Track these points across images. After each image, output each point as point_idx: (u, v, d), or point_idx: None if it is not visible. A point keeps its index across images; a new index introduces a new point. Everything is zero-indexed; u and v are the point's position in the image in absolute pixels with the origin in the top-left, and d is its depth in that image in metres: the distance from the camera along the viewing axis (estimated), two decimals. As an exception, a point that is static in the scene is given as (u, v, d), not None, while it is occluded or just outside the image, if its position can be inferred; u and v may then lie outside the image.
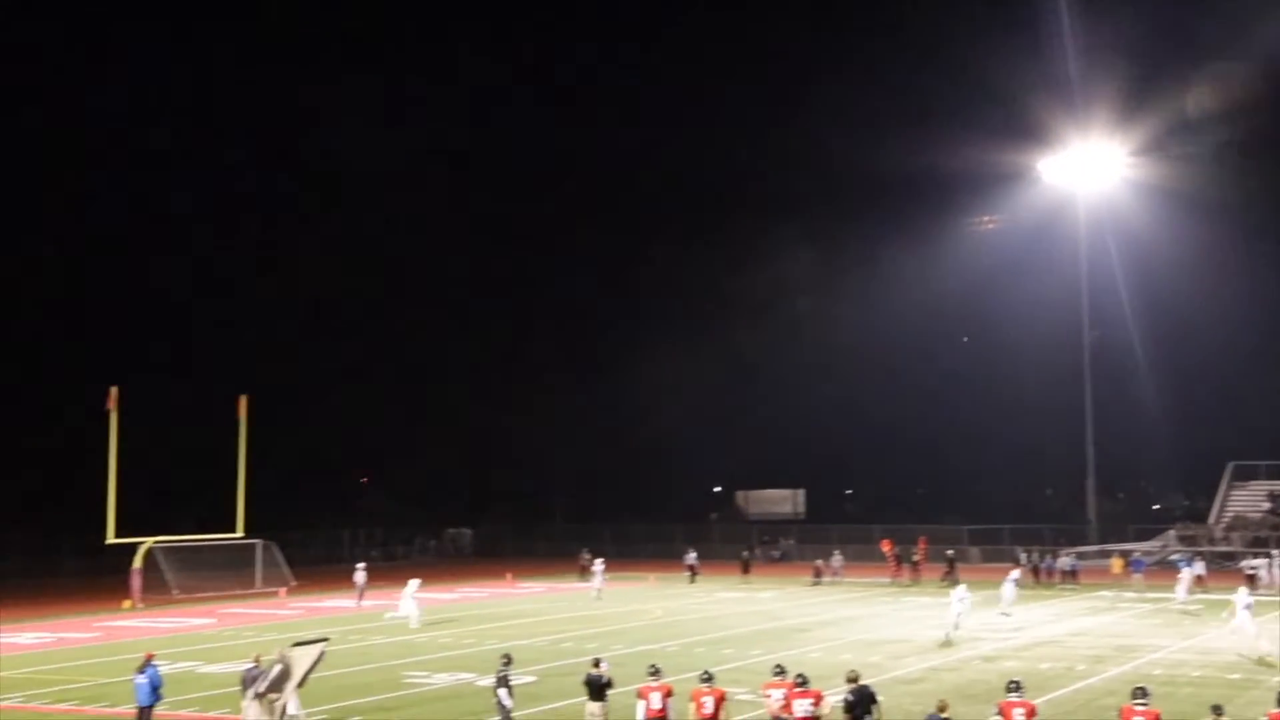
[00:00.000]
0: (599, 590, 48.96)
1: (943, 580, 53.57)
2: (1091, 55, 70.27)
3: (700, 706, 17.66)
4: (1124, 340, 78.32)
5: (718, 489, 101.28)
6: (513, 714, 19.80)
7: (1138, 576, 50.61)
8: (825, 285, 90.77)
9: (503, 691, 19.72)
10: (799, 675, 17.98)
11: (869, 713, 17.80)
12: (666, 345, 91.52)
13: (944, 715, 16.39)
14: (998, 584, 42.20)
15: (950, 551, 56.93)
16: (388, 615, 40.15)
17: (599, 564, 51.42)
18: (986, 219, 77.57)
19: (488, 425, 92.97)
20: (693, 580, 55.89)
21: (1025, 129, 69.09)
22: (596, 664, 19.52)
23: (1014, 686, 17.20)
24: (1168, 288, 77.72)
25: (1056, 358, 75.70)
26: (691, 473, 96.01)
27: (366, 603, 46.15)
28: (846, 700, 17.86)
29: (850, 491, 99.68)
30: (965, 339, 70.92)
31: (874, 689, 18.44)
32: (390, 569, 63.29)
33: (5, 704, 25.06)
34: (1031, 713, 16.69)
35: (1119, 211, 69.30)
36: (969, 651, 31.79)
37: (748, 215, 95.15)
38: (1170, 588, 44.94)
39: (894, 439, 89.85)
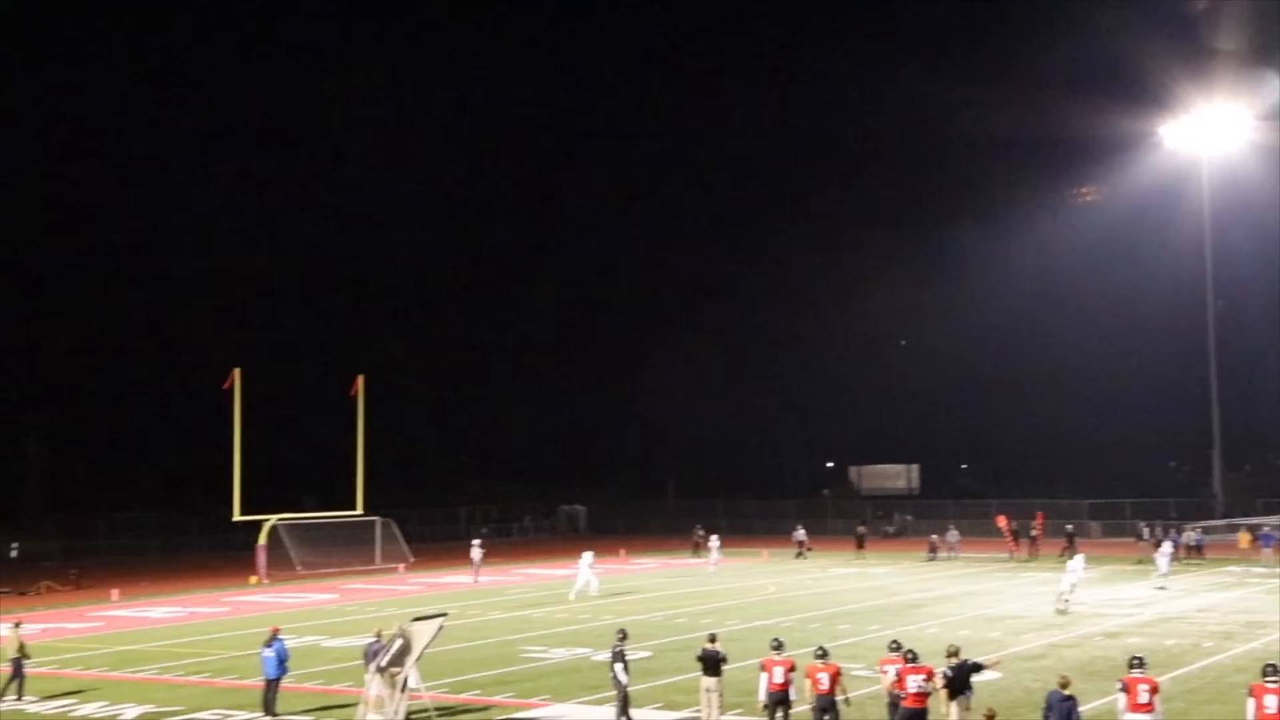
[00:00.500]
0: (715, 566, 49.06)
1: (1061, 555, 52.64)
2: (1216, 15, 68.15)
3: (816, 683, 17.65)
4: (1250, 309, 76.01)
5: (830, 464, 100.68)
6: (629, 689, 19.95)
7: (1267, 551, 49.17)
8: (941, 257, 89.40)
9: (619, 666, 19.86)
10: (909, 651, 17.89)
11: (968, 687, 17.70)
12: (780, 319, 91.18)
13: (1066, 691, 16.11)
14: (1118, 560, 41.39)
15: (1070, 526, 55.88)
16: (572, 595, 40.59)
17: (715, 540, 51.51)
18: (1085, 191, 75.40)
19: (603, 402, 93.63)
20: (800, 556, 55.73)
21: (1147, 93, 67.27)
22: (712, 639, 19.58)
23: (1137, 662, 16.89)
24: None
25: (1180, 328, 73.72)
26: (804, 448, 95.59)
27: (483, 578, 46.86)
28: (945, 675, 17.75)
29: (965, 466, 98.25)
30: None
31: (975, 662, 18.23)
32: (505, 545, 64.18)
33: (142, 675, 25.99)
34: (1155, 689, 16.38)
35: (1244, 176, 67.05)
36: (1091, 628, 31.22)
37: (862, 185, 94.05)
38: None
39: (1011, 412, 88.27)
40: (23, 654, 23.55)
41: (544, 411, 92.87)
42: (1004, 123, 79.02)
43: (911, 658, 17.60)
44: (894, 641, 18.84)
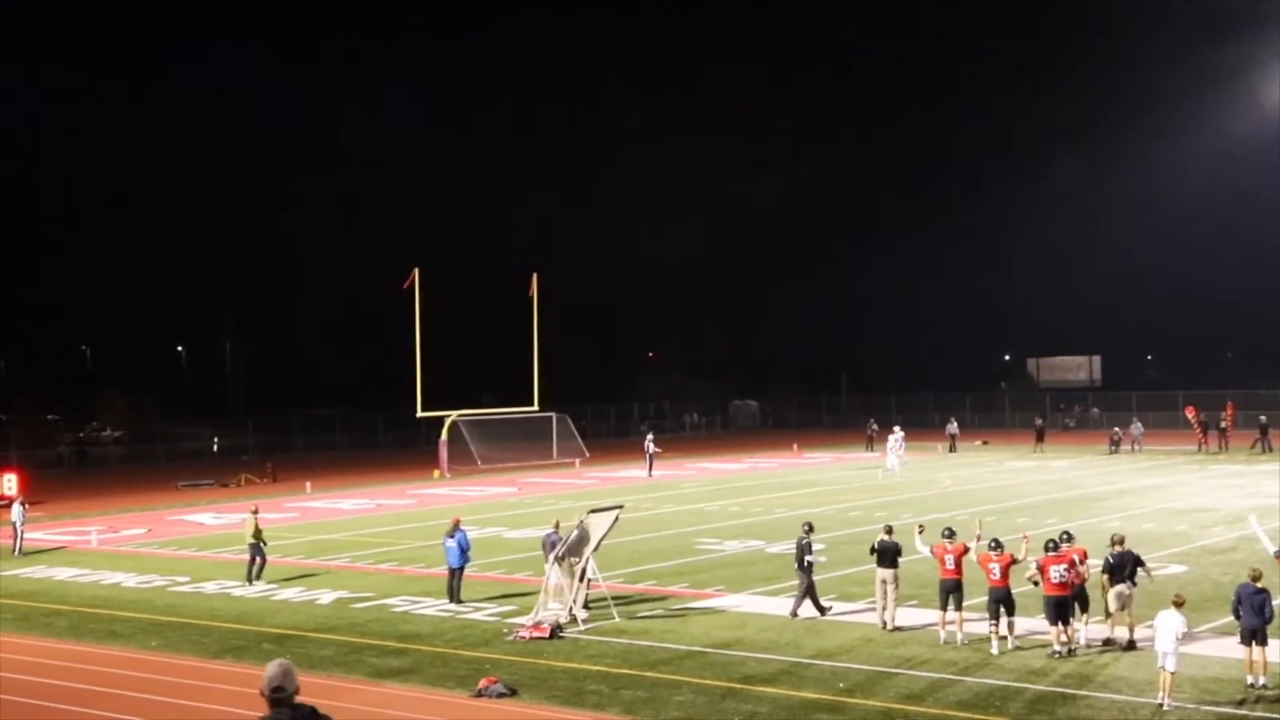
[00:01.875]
0: (900, 460, 47.78)
1: (1253, 448, 50.76)
2: None
3: (989, 572, 17.53)
4: None
5: (1008, 357, 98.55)
6: (815, 579, 20.14)
7: None
8: (1117, 143, 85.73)
9: (806, 559, 20.08)
10: (1064, 534, 18.03)
11: (1132, 577, 17.47)
12: (960, 213, 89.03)
13: (1259, 584, 15.58)
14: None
15: (1263, 417, 53.66)
16: (881, 474, 42.37)
17: (898, 433, 50.46)
18: None
19: (776, 295, 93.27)
20: (952, 450, 54.75)
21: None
22: (889, 531, 19.53)
23: None
24: None
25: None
26: (982, 342, 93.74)
27: (657, 473, 47.53)
28: (1107, 561, 17.59)
29: (1150, 357, 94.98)
30: None
31: (1137, 556, 17.89)
32: (676, 440, 64.83)
33: (335, 563, 27.27)
34: None
35: None
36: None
37: (1059, 81, 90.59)
38: None
39: (1197, 300, 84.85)
40: (259, 539, 24.93)
41: (718, 308, 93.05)
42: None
43: (1054, 546, 17.48)
44: (1059, 534, 18.49)
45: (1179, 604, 15.14)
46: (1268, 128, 76.19)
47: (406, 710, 15.49)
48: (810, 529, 20.77)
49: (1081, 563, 17.56)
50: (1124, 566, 17.60)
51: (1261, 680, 15.12)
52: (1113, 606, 17.56)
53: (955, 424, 57.11)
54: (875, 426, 59.39)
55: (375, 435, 69.17)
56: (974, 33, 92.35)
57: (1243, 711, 14.41)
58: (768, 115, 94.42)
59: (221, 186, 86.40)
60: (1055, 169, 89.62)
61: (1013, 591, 17.55)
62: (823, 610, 20.06)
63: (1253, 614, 15.16)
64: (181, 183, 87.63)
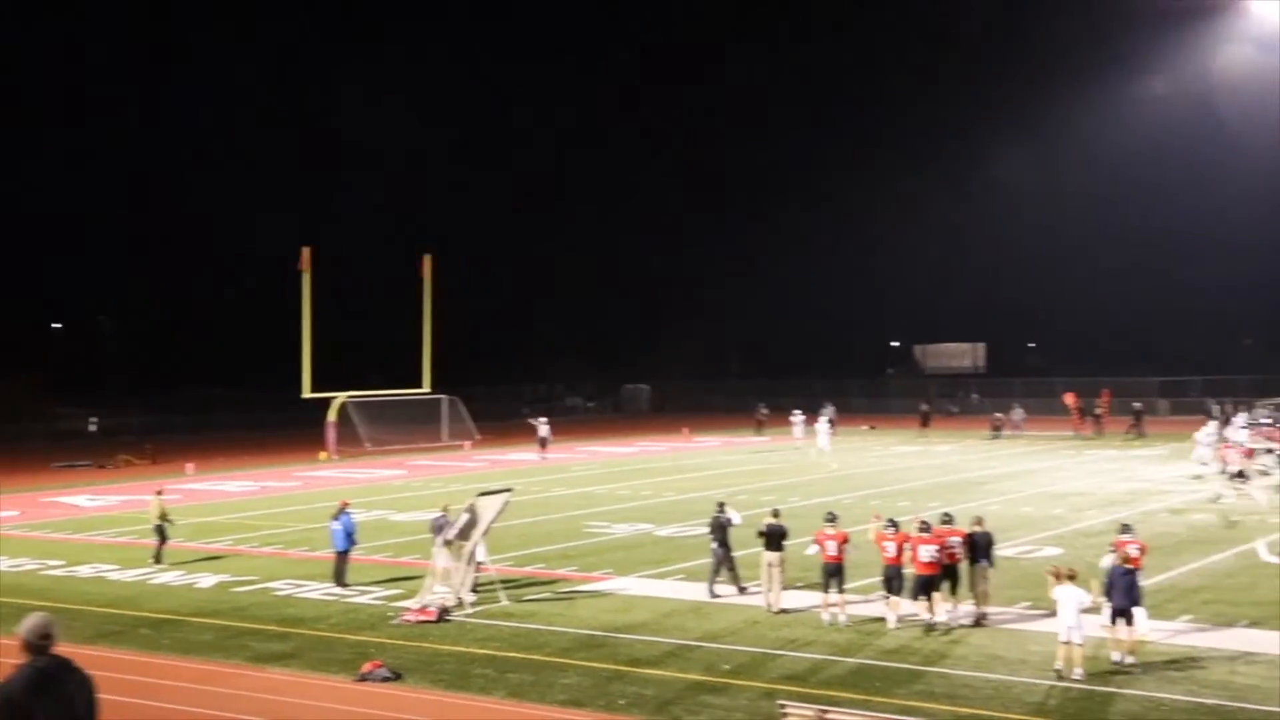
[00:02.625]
0: (803, 443, 47.97)
1: (1128, 434, 52.31)
2: None
3: (883, 550, 18.16)
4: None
5: (896, 344, 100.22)
6: (732, 557, 20.38)
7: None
8: (1010, 132, 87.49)
9: (715, 546, 20.38)
10: (923, 522, 18.67)
11: (987, 556, 18.32)
12: (848, 199, 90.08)
13: (1126, 565, 16.15)
14: (1187, 438, 40.96)
15: (1137, 405, 55.37)
16: (814, 453, 43.12)
17: (798, 416, 51.00)
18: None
19: (666, 282, 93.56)
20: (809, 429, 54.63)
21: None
22: (775, 514, 19.75)
23: (1125, 528, 18.34)
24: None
25: (1257, 203, 71.95)
26: (870, 328, 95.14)
27: (551, 455, 47.46)
28: (970, 539, 18.41)
29: (1033, 345, 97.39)
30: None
31: (992, 535, 18.73)
32: (569, 423, 64.83)
33: (217, 546, 26.77)
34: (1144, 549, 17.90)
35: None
36: (1156, 504, 31.13)
37: (935, 69, 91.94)
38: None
39: (1079, 289, 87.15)
40: (165, 519, 24.51)
41: (612, 293, 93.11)
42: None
43: (926, 527, 18.29)
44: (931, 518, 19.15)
45: (1071, 576, 15.61)
46: (1151, 117, 78.47)
47: (288, 695, 15.26)
48: (723, 507, 20.96)
49: (962, 545, 18.16)
50: (982, 545, 18.38)
51: (1129, 659, 15.60)
52: (975, 584, 18.28)
53: (832, 409, 57.02)
54: (765, 411, 59.99)
55: (261, 416, 67.99)
56: (864, 15, 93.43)
57: (1109, 689, 14.85)
58: (655, 98, 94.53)
59: (103, 161, 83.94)
60: (944, 158, 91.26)
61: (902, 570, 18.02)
62: (742, 589, 20.26)
63: (1121, 595, 15.67)
64: (62, 157, 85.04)
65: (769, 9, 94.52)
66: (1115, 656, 15.64)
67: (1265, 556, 17.93)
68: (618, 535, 27.62)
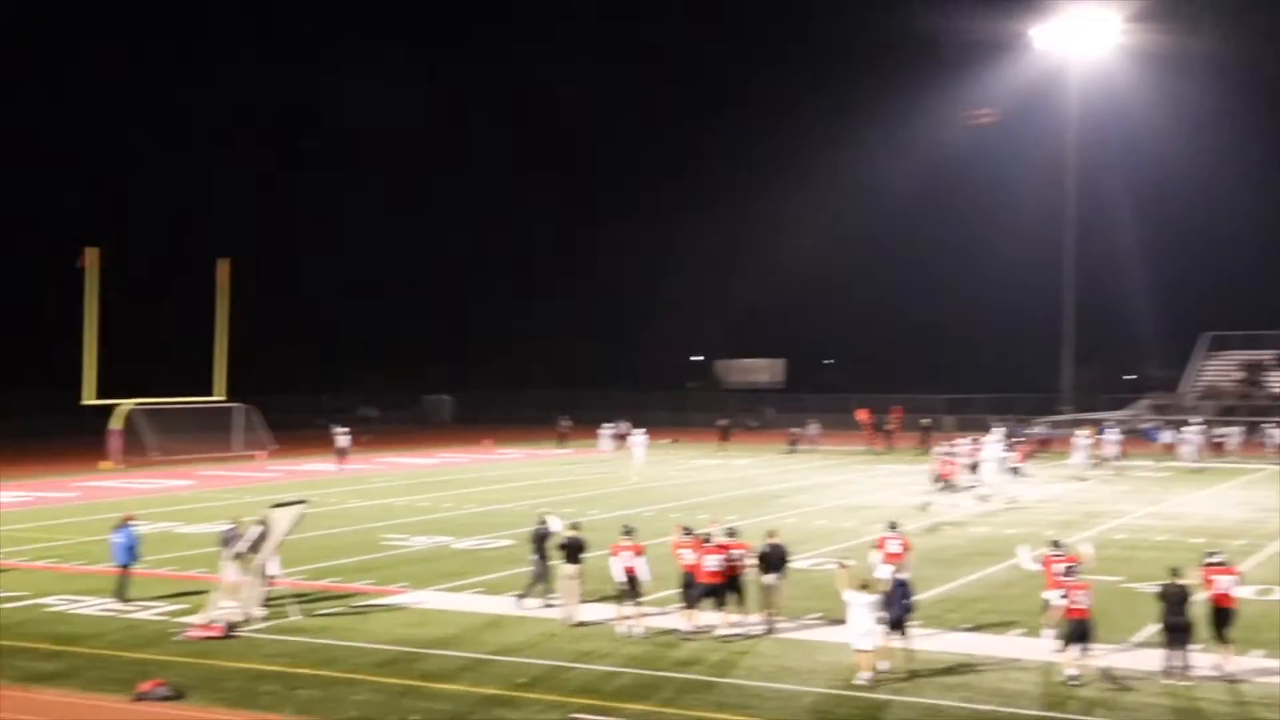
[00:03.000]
0: (611, 456, 49.13)
1: (917, 449, 54.20)
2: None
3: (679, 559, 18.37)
4: (1108, 209, 78.23)
5: (697, 358, 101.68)
6: (547, 567, 20.24)
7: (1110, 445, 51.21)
8: (809, 154, 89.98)
9: (535, 557, 20.23)
10: (729, 529, 19.32)
11: (780, 569, 18.83)
12: (651, 214, 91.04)
13: (900, 575, 16.89)
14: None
15: (925, 420, 57.47)
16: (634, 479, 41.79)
17: (608, 429, 51.68)
18: (982, 112, 75.17)
19: (472, 293, 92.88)
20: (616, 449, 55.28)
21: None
22: (574, 527, 19.76)
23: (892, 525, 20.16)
24: (1154, 157, 77.45)
25: (1041, 229, 75.54)
26: (671, 341, 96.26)
27: (349, 466, 46.50)
28: (762, 553, 18.89)
29: (830, 361, 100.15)
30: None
31: (786, 549, 19.26)
32: (369, 433, 63.59)
33: (-14, 562, 25.30)
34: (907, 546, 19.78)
35: (1111, 79, 67.96)
36: (942, 517, 32.28)
37: (739, 88, 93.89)
38: (1147, 456, 45.79)
39: (874, 310, 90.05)
40: None
41: (416, 302, 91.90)
42: (876, 25, 79.30)
43: (732, 532, 19.12)
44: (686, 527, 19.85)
45: (864, 587, 16.06)
46: (947, 140, 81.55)
47: (59, 716, 14.52)
48: (543, 520, 20.93)
49: (750, 556, 18.70)
50: (775, 559, 18.84)
51: (884, 665, 16.09)
52: (765, 595, 18.79)
53: (627, 425, 56.81)
54: (568, 423, 60.10)
55: (38, 424, 64.57)
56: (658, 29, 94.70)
57: (889, 696, 15.31)
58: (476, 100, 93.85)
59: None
60: (746, 177, 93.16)
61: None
62: (549, 603, 20.14)
63: (896, 605, 16.25)
64: None
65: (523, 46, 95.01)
66: (882, 665, 16.10)
67: (1027, 565, 18.96)
68: (416, 548, 27.22)
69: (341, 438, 47.73)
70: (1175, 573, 16.41)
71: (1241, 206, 79.97)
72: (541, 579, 20.32)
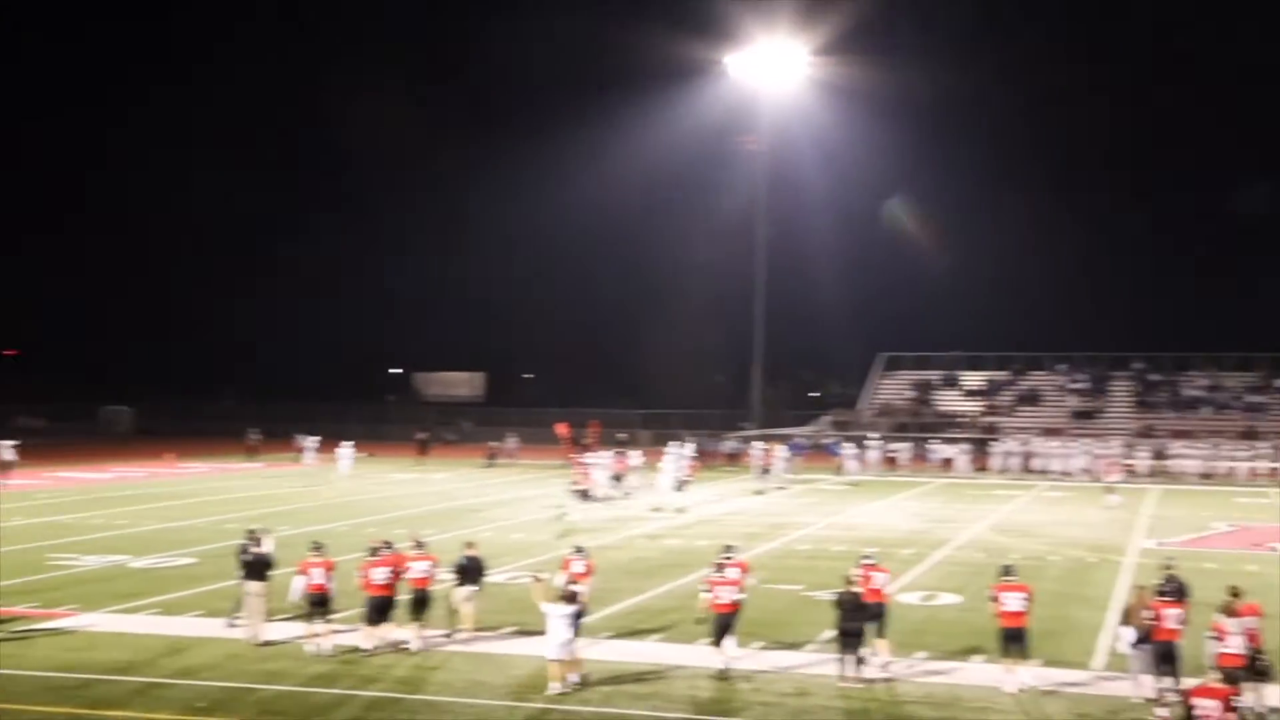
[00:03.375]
0: (314, 469, 48.33)
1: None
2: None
3: (309, 576, 18.04)
4: (796, 234, 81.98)
5: (396, 370, 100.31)
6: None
7: (797, 460, 53.60)
8: (511, 171, 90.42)
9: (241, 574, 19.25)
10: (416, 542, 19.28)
11: (476, 581, 18.95)
12: (352, 228, 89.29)
13: (575, 587, 17.16)
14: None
15: (622, 435, 58.51)
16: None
17: (311, 441, 50.83)
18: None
19: (154, 300, 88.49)
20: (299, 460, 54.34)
21: (712, 22, 69.97)
22: (257, 542, 19.04)
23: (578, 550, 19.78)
24: (839, 184, 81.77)
25: (733, 249, 78.32)
26: (370, 354, 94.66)
27: (13, 481, 43.32)
28: (459, 564, 18.98)
29: (529, 375, 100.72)
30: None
31: (483, 561, 19.45)
32: (35, 445, 59.49)
33: None
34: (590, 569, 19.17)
35: (799, 109, 71.03)
36: (635, 530, 32.91)
37: (418, 101, 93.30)
38: (825, 470, 48.19)
39: (574, 325, 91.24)
40: None
41: (95, 309, 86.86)
42: (571, 48, 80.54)
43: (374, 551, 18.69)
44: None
45: (568, 598, 16.18)
46: (647, 162, 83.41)
47: None
48: (254, 537, 19.93)
49: (432, 569, 18.64)
50: (472, 570, 18.89)
51: (576, 677, 16.24)
52: (456, 604, 18.83)
53: (313, 439, 55.27)
54: (258, 436, 58.07)
55: None
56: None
57: (580, 707, 15.46)
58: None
59: None
60: (446, 195, 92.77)
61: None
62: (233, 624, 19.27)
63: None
64: None
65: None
66: (573, 677, 16.23)
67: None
68: (87, 567, 25.58)
69: (5, 450, 44.41)
70: (850, 581, 17.27)
71: (912, 234, 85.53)
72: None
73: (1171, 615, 15.23)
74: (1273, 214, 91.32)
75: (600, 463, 41.51)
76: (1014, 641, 16.22)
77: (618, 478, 41.43)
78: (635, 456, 44.61)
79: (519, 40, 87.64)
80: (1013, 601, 16.37)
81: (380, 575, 17.95)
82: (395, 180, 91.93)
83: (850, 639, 16.61)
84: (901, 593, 23.22)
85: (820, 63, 67.26)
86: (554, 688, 15.83)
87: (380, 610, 17.87)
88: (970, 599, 22.45)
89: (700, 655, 18.00)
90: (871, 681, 16.49)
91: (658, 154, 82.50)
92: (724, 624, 16.94)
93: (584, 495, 38.44)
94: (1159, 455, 53.56)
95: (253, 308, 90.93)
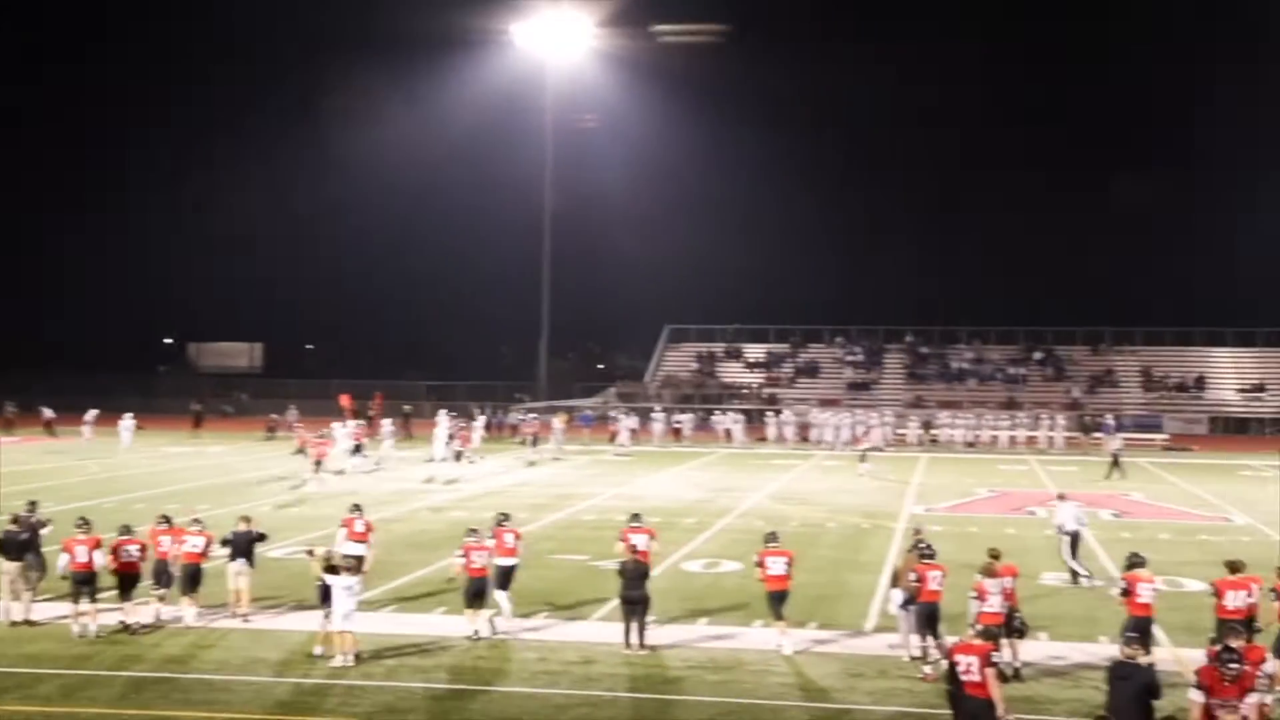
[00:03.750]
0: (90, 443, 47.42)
1: (399, 436, 54.34)
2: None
3: (73, 555, 17.29)
4: (582, 207, 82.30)
5: (168, 340, 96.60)
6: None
7: (585, 431, 54.06)
8: (293, 137, 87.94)
9: (31, 556, 18.04)
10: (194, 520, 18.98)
11: (247, 555, 18.47)
12: (120, 195, 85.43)
13: (356, 549, 17.11)
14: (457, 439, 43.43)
15: (407, 407, 57.76)
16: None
17: (91, 414, 49.89)
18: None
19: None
20: (50, 434, 52.35)
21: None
22: (15, 521, 18.10)
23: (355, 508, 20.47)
24: (622, 160, 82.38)
25: (519, 221, 78.23)
26: (139, 322, 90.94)
27: None
28: (225, 539, 18.57)
29: (311, 346, 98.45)
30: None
31: (260, 532, 18.97)
32: None
33: None
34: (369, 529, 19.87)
35: (586, 81, 71.13)
36: (419, 503, 32.60)
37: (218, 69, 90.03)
38: (608, 441, 48.71)
39: (357, 295, 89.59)
40: None
41: None
42: (355, 11, 78.77)
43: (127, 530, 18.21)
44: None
45: (350, 569, 15.99)
46: (435, 132, 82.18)
47: None
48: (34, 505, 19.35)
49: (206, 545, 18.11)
50: (242, 545, 18.45)
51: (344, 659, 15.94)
52: (233, 584, 18.30)
53: (92, 412, 52.88)
54: (13, 409, 55.44)
55: None
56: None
57: (355, 681, 15.25)
58: None
59: None
60: (221, 162, 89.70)
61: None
62: None
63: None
64: None
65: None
66: (347, 650, 15.98)
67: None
68: None
69: None
70: (635, 549, 17.49)
71: (699, 208, 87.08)
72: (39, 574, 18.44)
73: (933, 577, 15.93)
74: (1033, 193, 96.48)
75: (342, 434, 41.17)
76: (779, 603, 16.78)
77: (358, 448, 41.25)
78: (386, 426, 45.50)
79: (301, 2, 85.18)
80: (776, 566, 16.94)
81: (83, 553, 17.18)
82: (163, 155, 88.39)
83: (633, 607, 16.82)
84: (685, 560, 23.69)
85: (605, 34, 67.49)
86: (338, 661, 15.58)
87: (82, 582, 17.03)
88: (751, 566, 22.99)
89: (485, 627, 17.97)
90: (655, 648, 16.75)
91: (444, 123, 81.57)
92: (478, 588, 17.14)
93: (318, 466, 37.68)
94: (927, 425, 55.97)
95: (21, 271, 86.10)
